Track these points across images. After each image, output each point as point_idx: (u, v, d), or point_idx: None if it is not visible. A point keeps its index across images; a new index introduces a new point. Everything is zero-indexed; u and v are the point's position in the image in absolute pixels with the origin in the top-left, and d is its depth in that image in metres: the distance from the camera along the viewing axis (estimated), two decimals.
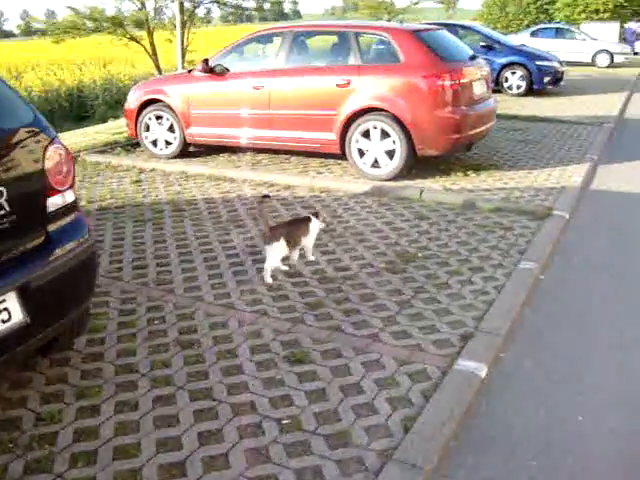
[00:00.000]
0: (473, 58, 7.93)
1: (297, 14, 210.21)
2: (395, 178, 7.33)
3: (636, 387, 3.56)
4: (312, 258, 5.09)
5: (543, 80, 15.80)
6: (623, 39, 31.19)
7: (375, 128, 7.28)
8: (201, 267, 5.07)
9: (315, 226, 4.94)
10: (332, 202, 6.69)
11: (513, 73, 15.83)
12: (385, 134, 7.25)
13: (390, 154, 7.29)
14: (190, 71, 8.95)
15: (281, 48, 8.00)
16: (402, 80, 7.13)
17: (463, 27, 17.22)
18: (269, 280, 4.74)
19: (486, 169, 7.89)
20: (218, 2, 15.41)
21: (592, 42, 26.57)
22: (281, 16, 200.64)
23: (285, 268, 4.94)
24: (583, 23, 31.63)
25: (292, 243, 4.79)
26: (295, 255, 4.98)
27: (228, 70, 8.30)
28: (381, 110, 7.23)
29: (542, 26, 29.09)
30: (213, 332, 4.03)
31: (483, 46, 15.83)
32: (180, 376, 3.54)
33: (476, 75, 7.68)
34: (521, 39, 26.13)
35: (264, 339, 3.92)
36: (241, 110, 8.17)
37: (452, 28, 17.49)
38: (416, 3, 25.01)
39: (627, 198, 7.22)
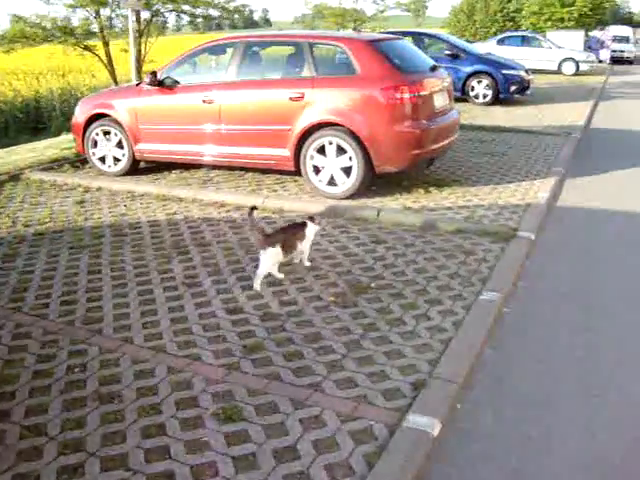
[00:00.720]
0: (434, 69, 7.57)
1: (267, 22, 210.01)
2: (353, 196, 6.94)
3: (606, 444, 3.16)
4: (308, 264, 5.12)
5: (509, 89, 15.58)
6: (588, 47, 31.30)
7: (331, 144, 6.88)
8: (135, 302, 4.62)
9: (311, 230, 5.00)
10: (284, 224, 6.25)
11: (479, 82, 15.59)
12: (341, 150, 6.86)
13: (347, 171, 6.89)
14: (139, 84, 8.47)
15: (232, 59, 7.57)
16: (358, 93, 6.74)
17: (429, 36, 16.99)
18: (258, 287, 4.72)
19: (449, 185, 7.53)
20: (177, 10, 14.92)
21: (558, 50, 26.59)
22: (251, 24, 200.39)
23: (280, 276, 4.90)
24: (549, 31, 31.69)
25: (288, 249, 4.84)
26: (297, 258, 5.11)
27: (178, 83, 7.85)
28: (336, 125, 6.83)
29: (508, 34, 29.09)
30: (138, 382, 3.58)
31: (448, 55, 15.62)
32: (94, 439, 3.08)
33: (437, 87, 7.32)
34: (488, 47, 26.08)
35: (193, 391, 3.47)
36: (191, 125, 7.72)
37: (418, 37, 17.36)
38: (382, 11, 24.71)
39: (595, 215, 6.91)
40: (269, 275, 4.87)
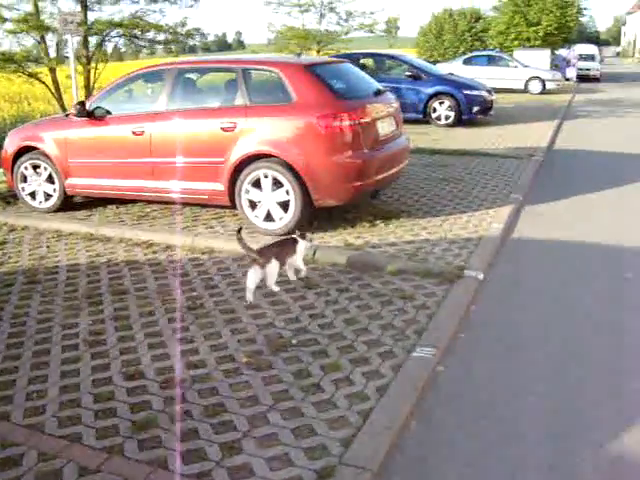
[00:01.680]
0: (378, 93, 7.12)
1: (241, 44, 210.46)
2: (291, 233, 6.44)
3: None
4: (293, 278, 5.28)
5: (472, 110, 15.25)
6: (555, 66, 31.31)
7: (266, 177, 6.39)
8: (26, 365, 4.07)
9: (302, 247, 5.15)
10: (211, 267, 5.73)
11: (441, 103, 15.24)
12: (278, 183, 6.36)
13: (285, 206, 6.39)
14: (68, 115, 7.93)
15: (163, 88, 7.07)
16: (294, 122, 6.26)
17: (389, 57, 16.66)
18: (251, 298, 4.88)
19: (397, 217, 7.05)
20: (126, 35, 14.41)
21: (524, 69, 26.48)
22: (225, 47, 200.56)
23: (276, 289, 5.05)
24: (516, 50, 31.66)
25: (280, 263, 5.01)
26: (291, 271, 5.28)
27: (109, 113, 7.32)
28: (272, 156, 6.34)
29: (475, 54, 29.03)
30: (4, 474, 3.02)
31: (409, 76, 15.29)
32: None
33: (382, 112, 6.87)
34: (454, 67, 25.95)
35: None
36: (122, 159, 7.19)
37: (379, 58, 17.07)
38: (346, 33, 24.39)
39: (552, 249, 6.44)
40: (186, 329, 4.34)
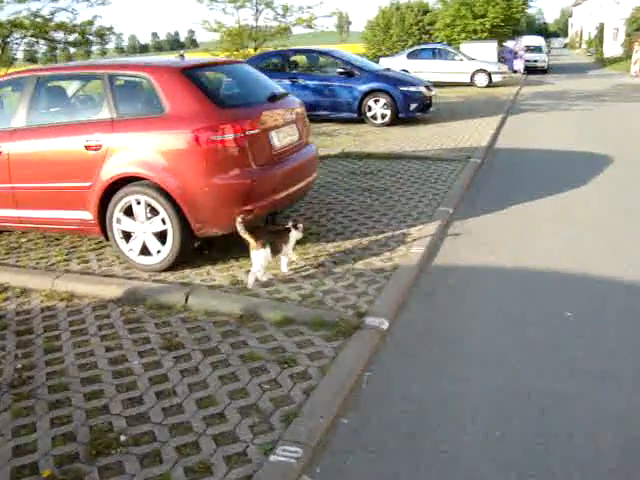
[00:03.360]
0: (277, 98, 6.13)
1: (194, 43, 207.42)
2: (174, 267, 5.44)
3: None
4: (285, 270, 5.34)
5: (409, 107, 14.37)
6: (502, 58, 30.73)
7: (139, 203, 5.36)
8: None
9: (294, 236, 5.27)
10: (63, 320, 4.66)
11: (376, 101, 14.32)
12: (153, 211, 5.34)
13: (162, 237, 5.38)
14: None
15: (22, 99, 5.96)
16: (167, 137, 5.22)
17: (321, 53, 15.67)
18: (251, 285, 5.02)
19: (302, 241, 6.06)
20: (34, 35, 13.17)
21: (470, 62, 25.83)
22: (178, 46, 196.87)
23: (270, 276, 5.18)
24: (463, 43, 30.98)
25: (274, 251, 5.09)
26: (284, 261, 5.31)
27: None
28: (143, 179, 5.31)
29: (419, 47, 28.29)
30: None
31: (342, 73, 14.33)
32: None
33: (279, 120, 5.89)
34: (398, 62, 25.19)
35: None
36: None
37: (310, 55, 16.09)
38: (285, 29, 23.29)
39: (479, 279, 5.47)
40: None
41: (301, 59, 16.01)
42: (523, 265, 5.67)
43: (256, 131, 5.43)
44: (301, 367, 3.81)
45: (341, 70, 14.39)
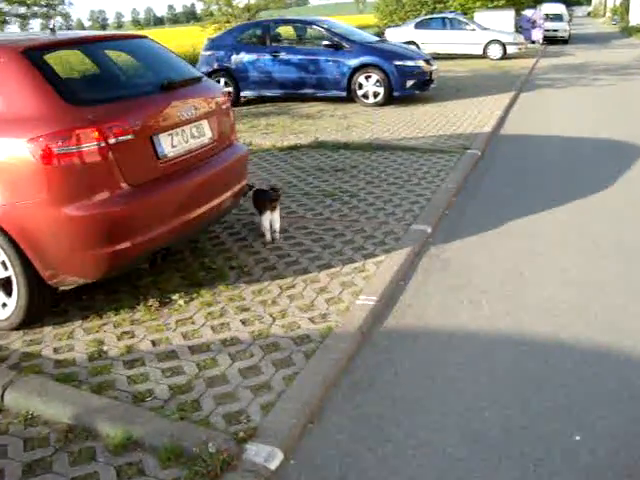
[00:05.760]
0: (172, 86, 4.34)
1: (211, 14, 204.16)
2: (28, 325, 3.81)
3: None
4: (269, 238, 5.14)
5: (405, 84, 12.49)
6: (519, 27, 28.50)
7: None
8: None
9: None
10: None
11: (368, 77, 12.45)
12: None
13: (7, 287, 3.71)
14: None
15: None
16: None
17: (307, 23, 13.80)
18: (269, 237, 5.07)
19: (213, 283, 4.36)
20: None
21: (483, 32, 23.73)
22: (194, 18, 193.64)
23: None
24: (477, 12, 28.73)
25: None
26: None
27: None
28: None
29: (428, 17, 26.18)
30: None
31: (328, 45, 12.48)
32: None
33: (172, 118, 4.16)
34: (405, 32, 23.23)
35: None
36: None
37: (299, 25, 14.24)
38: None
39: (450, 367, 3.74)
40: None
41: (285, 30, 14.16)
42: (517, 336, 3.91)
43: (129, 136, 3.70)
44: None
45: (327, 42, 12.53)
